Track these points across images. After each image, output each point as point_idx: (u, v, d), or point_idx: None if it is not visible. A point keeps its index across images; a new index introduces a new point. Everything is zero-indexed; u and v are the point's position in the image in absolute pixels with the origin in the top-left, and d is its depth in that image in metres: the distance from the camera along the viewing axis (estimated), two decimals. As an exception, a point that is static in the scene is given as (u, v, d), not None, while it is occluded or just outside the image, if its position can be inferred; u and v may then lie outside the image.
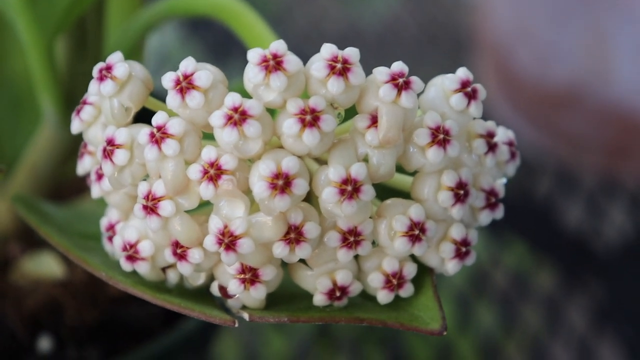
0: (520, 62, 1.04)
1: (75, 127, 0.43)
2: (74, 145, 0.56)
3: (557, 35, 1.01)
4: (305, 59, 0.40)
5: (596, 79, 0.99)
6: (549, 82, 1.02)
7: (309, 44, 1.15)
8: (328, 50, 0.39)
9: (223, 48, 1.15)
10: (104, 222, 0.44)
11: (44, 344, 0.57)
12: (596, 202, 1.00)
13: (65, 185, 0.62)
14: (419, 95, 0.40)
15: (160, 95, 0.43)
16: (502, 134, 0.44)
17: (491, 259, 0.92)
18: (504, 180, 0.44)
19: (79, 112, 0.43)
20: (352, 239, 0.40)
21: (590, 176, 1.02)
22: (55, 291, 0.58)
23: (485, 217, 0.43)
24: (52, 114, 0.55)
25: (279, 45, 0.39)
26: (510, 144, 0.44)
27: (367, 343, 0.84)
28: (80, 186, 0.62)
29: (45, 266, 0.58)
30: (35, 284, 0.58)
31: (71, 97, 0.55)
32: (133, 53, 0.56)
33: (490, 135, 0.42)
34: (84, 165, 0.45)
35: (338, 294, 0.41)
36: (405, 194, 0.42)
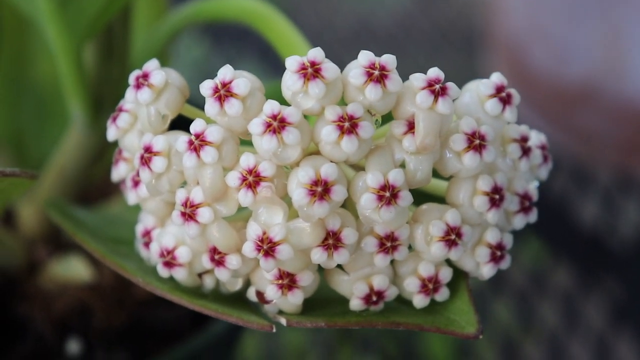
0: (535, 59, 1.04)
1: (112, 134, 0.44)
2: (101, 149, 0.57)
3: (571, 32, 1.01)
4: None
5: (611, 76, 0.99)
6: (564, 78, 1.03)
7: (320, 42, 1.15)
8: (365, 57, 0.40)
9: (236, 46, 1.16)
10: (139, 228, 0.44)
11: (73, 347, 0.57)
12: (611, 199, 1.00)
13: (92, 189, 0.62)
14: (454, 100, 0.40)
15: (194, 102, 0.43)
16: (535, 138, 0.44)
17: (508, 256, 0.92)
18: (536, 184, 0.44)
19: (115, 119, 0.43)
20: (389, 244, 0.41)
21: (605, 173, 1.02)
22: (84, 294, 0.58)
23: (519, 221, 0.43)
24: (80, 117, 0.55)
25: (317, 53, 0.39)
26: (542, 147, 0.44)
27: (385, 339, 0.85)
28: (106, 189, 0.62)
29: (73, 269, 0.58)
30: (63, 287, 0.58)
31: (99, 101, 0.56)
32: (160, 58, 0.56)
33: (524, 139, 0.43)
34: (119, 171, 0.45)
35: (374, 298, 0.42)
36: (439, 199, 0.42)
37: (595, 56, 1.00)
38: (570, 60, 1.02)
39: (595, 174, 1.02)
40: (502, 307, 0.89)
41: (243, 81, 0.40)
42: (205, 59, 1.12)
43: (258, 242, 0.39)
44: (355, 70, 0.39)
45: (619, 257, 0.94)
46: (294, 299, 0.41)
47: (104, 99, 0.56)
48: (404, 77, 0.40)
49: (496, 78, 0.42)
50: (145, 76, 0.42)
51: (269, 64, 1.08)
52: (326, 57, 0.39)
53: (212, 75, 0.40)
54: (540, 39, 1.04)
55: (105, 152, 0.58)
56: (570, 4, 1.02)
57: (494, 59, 1.12)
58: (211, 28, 1.18)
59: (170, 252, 0.42)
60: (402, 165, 0.40)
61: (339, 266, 0.42)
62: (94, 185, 0.62)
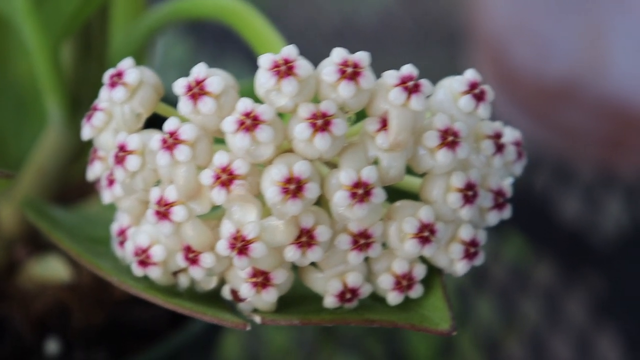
0: (517, 56, 1.05)
1: (86, 133, 0.44)
2: (80, 148, 0.57)
3: (553, 29, 1.02)
4: (300, 54, 0.40)
5: (593, 73, 1.00)
6: (546, 75, 1.03)
7: (304, 40, 1.15)
8: (338, 54, 0.40)
9: (217, 45, 1.16)
10: (114, 227, 0.44)
11: (52, 346, 0.57)
12: (593, 195, 1.00)
13: (70, 188, 0.62)
14: (427, 97, 0.41)
15: (170, 100, 0.43)
16: (509, 134, 0.44)
17: (490, 253, 0.92)
18: (511, 180, 0.44)
19: (89, 118, 0.43)
20: (362, 241, 0.41)
21: (587, 169, 1.03)
22: (62, 294, 0.58)
23: (493, 217, 0.43)
24: (58, 116, 0.55)
25: (290, 51, 0.39)
26: (517, 144, 0.44)
27: (368, 338, 0.85)
28: (85, 189, 0.62)
29: (51, 269, 0.58)
30: (42, 287, 0.58)
31: (77, 100, 0.56)
32: (138, 56, 0.56)
33: (497, 136, 0.43)
34: (95, 170, 0.45)
35: (349, 296, 0.42)
36: (413, 196, 0.43)
37: (576, 53, 1.01)
38: (552, 57, 1.02)
39: (577, 170, 1.03)
40: (484, 304, 0.89)
41: (216, 79, 0.40)
42: (189, 58, 1.12)
43: (232, 240, 0.39)
44: (328, 67, 0.40)
45: (601, 253, 0.94)
46: (268, 297, 0.41)
47: (82, 98, 0.56)
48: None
49: (470, 75, 0.42)
50: (120, 75, 0.42)
51: (253, 63, 1.08)
52: (309, 55, 0.40)
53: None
54: (522, 36, 1.05)
55: (83, 152, 0.58)
56: (551, 1, 1.02)
57: (477, 57, 1.13)
58: (195, 27, 1.18)
59: (144, 251, 0.42)
60: (376, 163, 0.40)
61: (313, 264, 0.42)
62: (73, 184, 0.62)
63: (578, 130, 1.03)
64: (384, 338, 0.85)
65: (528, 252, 0.94)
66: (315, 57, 0.40)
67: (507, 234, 0.94)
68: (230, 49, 1.13)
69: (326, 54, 0.41)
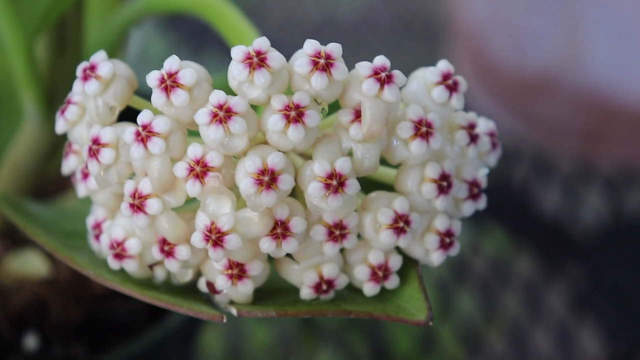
0: (496, 49, 1.05)
1: (60, 126, 0.43)
2: (56, 143, 0.56)
3: (531, 22, 1.02)
4: (280, 49, 0.40)
5: (571, 65, 1.00)
6: (524, 68, 1.03)
7: (283, 34, 1.15)
8: (311, 46, 0.40)
9: (197, 39, 1.15)
10: (90, 221, 0.44)
11: (30, 341, 0.57)
12: (573, 188, 1.00)
13: (48, 183, 0.62)
14: (401, 88, 0.41)
15: (143, 93, 0.43)
16: (483, 125, 0.44)
17: (470, 246, 0.93)
18: (485, 171, 0.44)
19: (63, 111, 0.43)
20: (337, 232, 0.41)
21: (566, 162, 1.03)
22: (41, 289, 0.58)
23: (468, 208, 0.43)
24: (34, 112, 0.55)
25: (262, 42, 0.39)
26: (491, 134, 0.44)
27: (350, 332, 0.85)
28: (63, 183, 0.62)
29: (29, 264, 0.58)
30: (20, 283, 0.58)
31: (52, 95, 0.55)
32: (113, 50, 0.56)
33: (471, 126, 0.43)
34: (69, 164, 0.45)
35: (325, 287, 0.42)
36: (388, 187, 0.43)
37: (555, 46, 1.01)
38: (530, 50, 1.03)
39: (556, 163, 1.03)
40: (465, 298, 0.89)
41: (189, 71, 0.40)
42: (169, 54, 1.12)
43: (206, 232, 0.39)
44: (301, 59, 0.40)
45: (581, 245, 0.94)
46: (244, 289, 0.41)
47: (58, 93, 0.56)
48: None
49: (443, 66, 0.42)
50: (93, 68, 0.42)
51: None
52: (289, 50, 0.40)
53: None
54: (500, 30, 1.05)
55: (60, 146, 0.58)
56: (530, -5, 1.02)
57: (456, 51, 1.13)
58: (174, 22, 1.18)
59: (120, 244, 0.42)
60: (350, 154, 0.40)
61: (289, 255, 0.42)
62: (51, 179, 0.62)
63: (557, 123, 1.03)
64: (365, 333, 0.85)
65: (508, 245, 0.94)
66: (295, 52, 0.40)
67: (487, 227, 0.94)
68: (210, 44, 1.13)
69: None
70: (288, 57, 0.40)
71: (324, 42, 0.40)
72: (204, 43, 1.14)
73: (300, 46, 0.40)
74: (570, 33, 0.99)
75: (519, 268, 0.92)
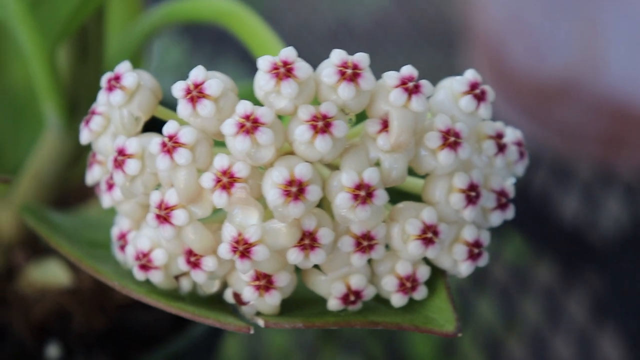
0: (513, 54, 1.05)
1: (85, 137, 0.43)
2: (78, 152, 0.56)
3: (550, 27, 1.01)
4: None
5: (590, 70, 0.99)
6: (543, 73, 1.03)
7: (298, 41, 1.15)
8: (338, 55, 0.39)
9: (213, 47, 1.15)
10: (115, 231, 0.44)
11: (52, 351, 0.57)
12: (592, 193, 1.00)
13: (69, 192, 0.62)
14: (428, 98, 0.40)
15: (168, 103, 0.43)
16: (511, 134, 0.44)
17: (490, 253, 0.92)
18: (513, 180, 0.44)
19: (87, 122, 0.43)
20: (365, 243, 0.40)
21: (585, 167, 1.03)
22: (62, 298, 0.58)
23: (496, 218, 0.43)
24: (56, 121, 0.55)
25: (289, 53, 0.39)
26: (518, 143, 0.44)
27: (369, 338, 0.85)
28: (84, 193, 0.62)
29: (51, 274, 0.58)
30: (42, 292, 0.58)
31: (74, 104, 0.55)
32: (135, 59, 0.56)
33: (499, 136, 0.42)
34: (94, 174, 0.45)
35: (352, 298, 0.42)
36: (416, 197, 0.42)
37: (573, 51, 1.00)
38: (548, 55, 1.02)
39: (575, 168, 1.03)
40: (484, 304, 0.89)
41: (215, 82, 0.39)
42: (185, 60, 1.12)
43: (234, 243, 0.39)
44: (328, 69, 0.39)
45: (601, 251, 0.94)
46: (271, 300, 0.41)
47: (79, 102, 0.56)
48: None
49: (470, 75, 0.42)
50: (117, 78, 0.41)
51: (249, 64, 1.08)
52: (304, 56, 0.39)
53: (191, 77, 0.40)
54: (518, 35, 1.04)
55: (82, 155, 0.58)
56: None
57: (473, 56, 1.12)
58: (191, 29, 1.18)
59: (146, 255, 0.42)
60: (377, 164, 0.40)
61: (317, 266, 0.41)
62: (72, 188, 0.62)
63: (576, 129, 1.03)
64: (384, 338, 0.85)
65: (527, 252, 0.93)
66: (310, 58, 0.40)
67: (506, 234, 0.93)
68: (225, 51, 1.13)
69: (321, 55, 0.40)
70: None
71: (338, 48, 0.40)
72: (219, 50, 1.14)
73: (315, 52, 0.40)
74: (589, 38, 0.99)
75: (539, 274, 0.92)
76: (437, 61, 1.16)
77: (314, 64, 0.40)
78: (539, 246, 0.94)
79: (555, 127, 1.04)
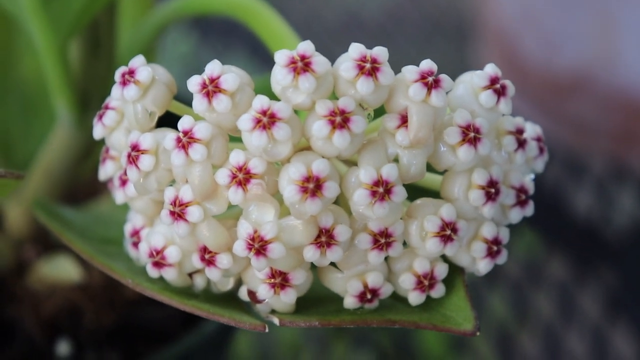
0: (527, 48, 1.04)
1: (98, 132, 0.43)
2: (89, 147, 0.56)
3: (563, 21, 1.01)
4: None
5: (603, 65, 0.99)
6: (556, 68, 1.02)
7: (309, 34, 1.14)
8: (356, 49, 0.39)
9: (223, 39, 1.15)
10: (128, 228, 0.44)
11: (63, 347, 0.57)
12: (605, 188, 0.99)
13: (80, 187, 0.62)
14: (447, 93, 0.40)
15: (182, 98, 0.42)
16: (531, 130, 0.43)
17: (502, 248, 0.91)
18: (532, 176, 0.43)
19: (101, 117, 0.42)
20: (383, 240, 0.40)
21: (598, 162, 1.02)
22: (73, 295, 0.57)
23: (516, 215, 0.42)
24: (67, 116, 0.55)
25: (306, 47, 0.38)
26: (538, 139, 0.43)
27: (380, 333, 0.84)
28: (95, 188, 0.61)
29: (61, 270, 0.58)
30: (52, 288, 0.58)
31: (85, 99, 0.55)
32: (147, 53, 0.55)
33: (519, 131, 0.42)
34: (107, 170, 0.44)
35: (369, 296, 0.41)
36: (433, 193, 0.42)
37: (587, 45, 1.00)
38: (562, 49, 1.01)
39: (588, 163, 1.02)
40: (497, 300, 0.88)
41: (231, 76, 0.39)
42: (193, 53, 1.11)
43: (249, 240, 0.38)
44: (346, 63, 0.39)
45: (614, 247, 0.93)
46: (287, 298, 0.40)
47: (91, 97, 0.55)
48: (395, 69, 0.40)
49: (490, 69, 0.41)
50: (131, 73, 0.41)
51: (258, 58, 1.07)
52: (315, 49, 0.39)
53: (201, 71, 0.39)
54: (531, 28, 1.04)
55: (93, 150, 0.57)
56: (561, -7, 1.01)
57: (486, 49, 1.12)
58: (199, 22, 1.17)
59: (159, 252, 0.41)
60: (396, 160, 0.39)
61: (333, 264, 0.41)
62: (83, 183, 0.61)
63: (589, 124, 1.02)
64: (396, 334, 0.84)
65: (540, 247, 0.93)
66: (321, 50, 0.39)
67: (519, 229, 0.93)
68: (234, 44, 1.12)
69: (332, 48, 0.40)
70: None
71: (349, 41, 0.39)
72: (229, 43, 1.13)
73: (326, 45, 0.40)
74: (602, 32, 0.98)
75: (551, 270, 0.91)
76: (449, 55, 1.15)
77: (326, 57, 0.39)
78: (551, 241, 0.93)
79: (568, 121, 1.03)
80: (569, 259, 0.92)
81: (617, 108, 1.00)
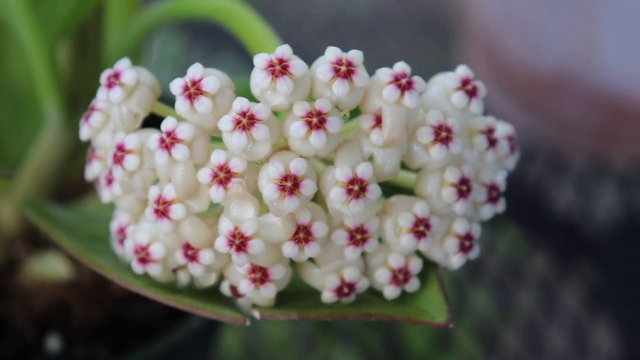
0: (510, 47, 1.05)
1: (85, 133, 0.44)
2: (77, 147, 0.57)
3: (545, 20, 1.02)
4: (294, 47, 0.41)
5: (585, 63, 1.00)
6: (538, 66, 1.03)
7: (298, 33, 1.16)
8: (332, 53, 0.40)
9: (211, 41, 1.16)
10: (114, 226, 0.45)
11: (53, 343, 0.58)
12: (587, 185, 1.01)
13: (69, 186, 0.63)
14: (420, 94, 0.41)
15: (170, 99, 0.43)
16: (502, 129, 0.45)
17: (485, 245, 0.93)
18: (504, 174, 0.45)
19: (87, 118, 0.44)
20: (358, 236, 0.41)
21: (580, 159, 1.03)
22: (62, 291, 0.59)
23: (487, 211, 0.44)
24: (55, 116, 0.56)
25: (284, 50, 0.40)
26: (510, 138, 0.45)
27: (366, 330, 0.85)
28: (84, 187, 0.62)
29: (51, 267, 0.59)
30: (42, 285, 0.59)
31: (74, 100, 0.56)
32: (133, 55, 0.57)
33: (490, 131, 0.43)
34: (93, 170, 0.45)
35: (346, 290, 0.42)
36: (408, 191, 0.43)
37: (568, 44, 1.01)
38: (544, 48, 1.03)
39: (570, 160, 1.03)
40: (480, 296, 0.90)
41: (212, 79, 0.40)
42: (183, 55, 1.13)
43: (230, 237, 0.40)
44: (323, 66, 0.40)
45: (595, 243, 0.95)
46: (267, 293, 0.42)
47: (79, 98, 0.56)
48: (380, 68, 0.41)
49: (462, 71, 0.42)
50: (117, 75, 0.42)
51: (247, 59, 1.08)
52: (303, 48, 0.40)
53: (189, 72, 0.41)
54: (514, 28, 1.05)
55: (81, 150, 0.58)
56: (543, -7, 1.02)
57: (469, 49, 1.13)
58: (188, 24, 1.18)
59: (144, 249, 0.43)
60: (371, 159, 0.41)
61: (311, 259, 0.42)
62: (72, 182, 0.63)
63: (571, 121, 1.03)
64: (381, 330, 0.86)
65: (522, 243, 0.94)
66: (310, 50, 0.41)
67: (501, 226, 0.94)
68: (223, 45, 1.14)
69: (320, 48, 0.41)
70: (303, 54, 0.41)
71: (338, 40, 0.41)
72: (217, 44, 1.14)
73: (315, 44, 0.41)
74: (584, 31, 0.99)
75: (534, 266, 0.93)
76: (434, 54, 1.17)
77: (314, 56, 0.41)
78: (534, 237, 0.95)
79: (551, 119, 1.04)
80: (551, 255, 0.93)
81: (598, 106, 1.01)
